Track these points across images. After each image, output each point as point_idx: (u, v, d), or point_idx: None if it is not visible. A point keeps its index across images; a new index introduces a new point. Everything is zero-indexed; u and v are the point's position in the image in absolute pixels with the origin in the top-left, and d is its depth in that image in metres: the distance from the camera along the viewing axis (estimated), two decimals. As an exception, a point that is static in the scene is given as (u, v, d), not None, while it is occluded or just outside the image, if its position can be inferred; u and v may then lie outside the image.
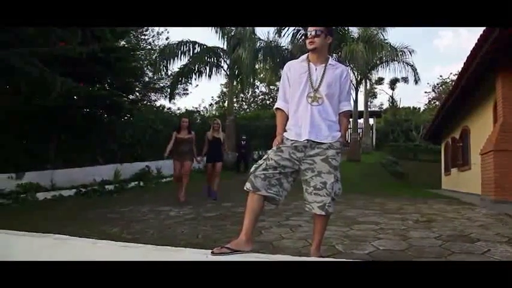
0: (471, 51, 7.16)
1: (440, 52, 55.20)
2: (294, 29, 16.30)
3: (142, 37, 19.93)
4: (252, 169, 2.52)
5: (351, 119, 16.92)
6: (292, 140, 2.52)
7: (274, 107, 2.75)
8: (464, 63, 7.78)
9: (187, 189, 6.96)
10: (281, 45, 16.95)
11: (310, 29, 2.59)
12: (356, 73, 18.41)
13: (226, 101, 19.49)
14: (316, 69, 2.59)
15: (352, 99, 16.97)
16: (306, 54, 2.67)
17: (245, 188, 2.49)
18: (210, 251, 2.33)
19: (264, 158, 2.54)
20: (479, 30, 6.60)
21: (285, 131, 2.61)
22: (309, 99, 2.53)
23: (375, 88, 31.42)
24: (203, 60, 16.18)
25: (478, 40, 6.70)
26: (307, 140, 2.48)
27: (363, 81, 20.38)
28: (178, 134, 6.98)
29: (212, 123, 7.72)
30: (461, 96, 9.61)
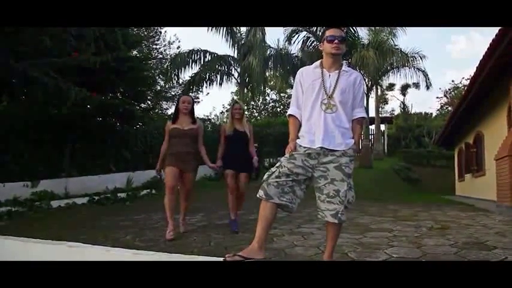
0: (484, 55, 7.09)
1: (452, 57, 54.76)
2: (304, 36, 16.38)
3: (154, 46, 20.17)
4: (265, 177, 2.51)
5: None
6: (305, 147, 2.50)
7: (287, 114, 2.74)
8: (477, 67, 7.70)
9: (185, 216, 4.70)
10: (291, 52, 17.03)
11: (335, 33, 2.54)
12: (367, 79, 18.35)
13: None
14: (329, 75, 2.57)
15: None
16: (320, 61, 2.65)
17: (258, 196, 2.49)
18: (222, 258, 2.33)
19: (276, 165, 2.53)
20: (492, 36, 6.53)
21: (298, 137, 2.60)
22: (323, 106, 2.52)
23: (386, 94, 31.23)
24: (214, 68, 16.32)
25: (491, 44, 6.64)
26: (320, 147, 2.47)
27: (374, 87, 20.28)
28: (174, 124, 4.43)
29: (232, 109, 4.85)
30: (474, 101, 9.50)
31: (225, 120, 21.96)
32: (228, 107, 29.79)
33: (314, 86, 2.56)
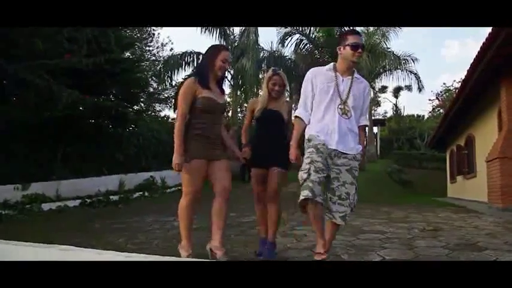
0: (475, 57, 7.17)
1: (447, 62, 55.61)
2: (297, 39, 16.45)
3: (147, 48, 20.12)
4: (304, 175, 2.40)
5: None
6: (324, 145, 2.48)
7: (294, 115, 2.68)
8: (468, 70, 7.78)
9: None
10: (284, 54, 17.09)
11: (359, 41, 2.54)
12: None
13: (230, 111, 19.57)
14: (343, 80, 2.58)
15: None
16: (333, 64, 2.65)
17: (302, 197, 2.36)
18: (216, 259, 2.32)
19: (307, 161, 2.44)
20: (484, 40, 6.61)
21: (309, 140, 2.55)
22: (339, 111, 2.52)
23: (379, 96, 31.42)
24: (207, 70, 16.30)
25: (482, 47, 6.71)
26: (335, 149, 2.49)
27: (367, 89, 20.40)
28: (207, 90, 2.86)
29: (268, 81, 3.24)
30: (465, 104, 9.60)
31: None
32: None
33: (328, 89, 2.55)
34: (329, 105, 2.53)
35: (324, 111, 2.54)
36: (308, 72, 2.67)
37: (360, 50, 2.52)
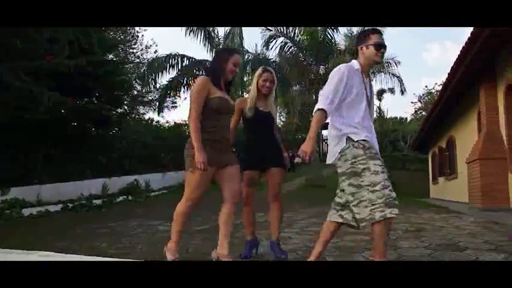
0: (455, 62, 7.33)
1: (428, 65, 56.81)
2: (282, 42, 16.53)
3: (131, 50, 19.90)
4: (392, 194, 2.29)
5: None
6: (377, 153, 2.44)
7: (318, 107, 2.36)
8: (449, 73, 7.94)
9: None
10: (269, 57, 17.15)
11: (383, 41, 2.48)
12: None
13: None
14: (365, 81, 2.53)
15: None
16: (357, 63, 2.53)
17: (391, 215, 2.28)
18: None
19: (384, 177, 2.31)
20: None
21: (351, 139, 2.39)
22: (370, 116, 2.52)
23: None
24: (192, 73, 16.23)
25: (461, 52, 6.86)
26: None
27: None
28: (219, 90, 2.84)
29: (259, 78, 3.26)
30: (446, 106, 9.79)
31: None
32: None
33: (363, 92, 2.47)
34: (366, 108, 2.46)
35: (364, 115, 2.44)
36: (342, 68, 2.46)
37: (382, 50, 2.46)
